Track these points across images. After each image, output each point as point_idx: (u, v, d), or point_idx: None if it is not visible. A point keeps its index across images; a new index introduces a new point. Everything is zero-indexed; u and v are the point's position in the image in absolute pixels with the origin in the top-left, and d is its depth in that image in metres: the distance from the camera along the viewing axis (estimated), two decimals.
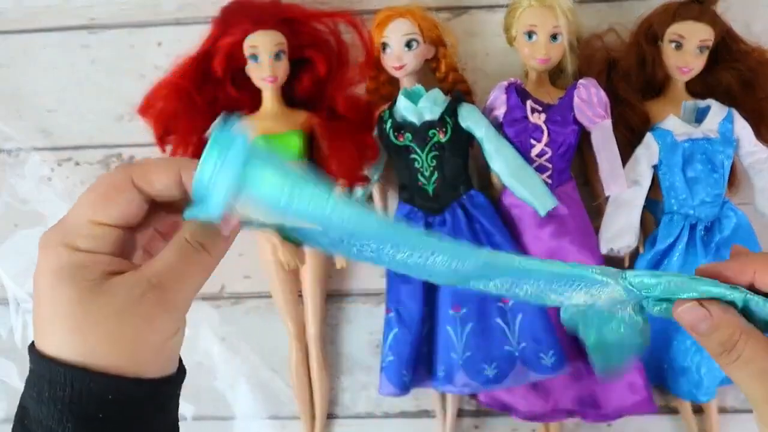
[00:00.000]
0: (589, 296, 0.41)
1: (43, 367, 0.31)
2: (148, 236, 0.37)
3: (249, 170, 0.33)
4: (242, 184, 0.33)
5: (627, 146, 0.72)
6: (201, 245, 0.33)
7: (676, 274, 0.38)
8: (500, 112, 0.72)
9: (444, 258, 0.37)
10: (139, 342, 0.31)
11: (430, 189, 0.72)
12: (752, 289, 0.37)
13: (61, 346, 0.31)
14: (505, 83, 0.73)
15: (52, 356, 0.31)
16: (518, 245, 0.72)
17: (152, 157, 0.35)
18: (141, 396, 0.31)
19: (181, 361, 0.35)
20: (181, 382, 0.35)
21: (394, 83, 0.76)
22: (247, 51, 0.70)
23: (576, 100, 0.70)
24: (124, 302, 0.31)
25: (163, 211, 0.36)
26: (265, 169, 0.33)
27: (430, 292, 0.72)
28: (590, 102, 0.70)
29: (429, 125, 0.71)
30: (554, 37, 0.71)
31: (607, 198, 0.71)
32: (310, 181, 0.35)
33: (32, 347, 0.32)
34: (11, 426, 0.32)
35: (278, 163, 0.34)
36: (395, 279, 0.73)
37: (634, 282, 0.40)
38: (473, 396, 0.77)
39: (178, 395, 0.35)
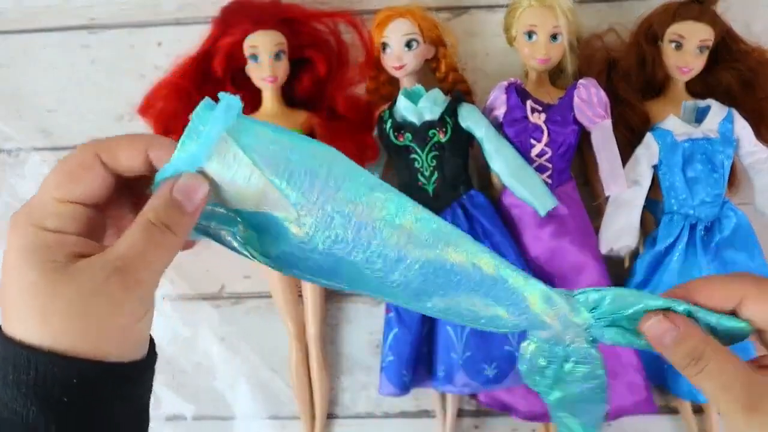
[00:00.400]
0: (538, 315, 0.42)
1: (8, 350, 0.30)
2: (119, 215, 0.36)
3: (240, 121, 0.33)
4: (232, 133, 0.33)
5: (627, 146, 0.72)
6: (165, 225, 0.32)
7: (621, 289, 0.39)
8: (500, 112, 0.72)
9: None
10: (104, 326, 0.31)
11: (430, 189, 0.72)
12: (733, 313, 0.37)
13: (26, 330, 0.30)
14: (505, 83, 0.73)
15: (18, 339, 0.30)
16: (518, 245, 0.72)
17: (118, 134, 0.35)
18: (106, 380, 0.31)
19: (153, 345, 0.35)
20: (151, 366, 0.34)
21: (394, 83, 0.76)
22: (247, 51, 0.70)
23: (576, 100, 0.70)
24: (89, 286, 0.30)
25: (133, 188, 0.35)
26: (255, 123, 0.34)
27: None
28: (590, 102, 0.70)
29: (429, 125, 0.71)
30: (554, 37, 0.71)
31: (607, 198, 0.71)
32: (303, 138, 0.35)
33: None
34: None
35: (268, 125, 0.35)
36: None
37: (581, 299, 0.42)
38: (473, 396, 0.77)
39: (150, 379, 0.35)
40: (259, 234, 0.37)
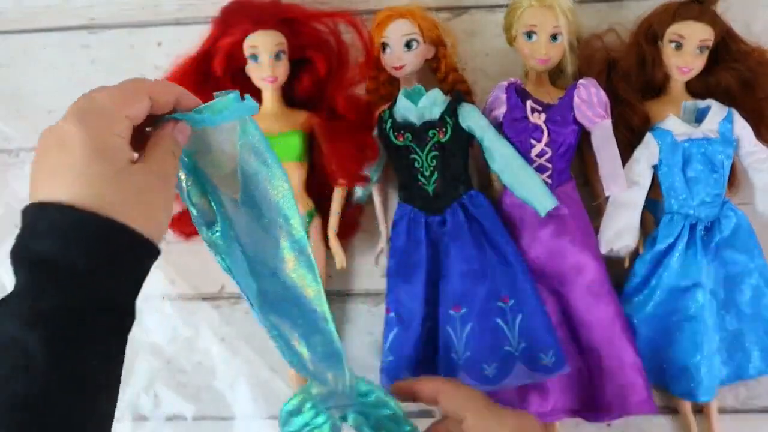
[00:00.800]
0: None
1: (74, 216, 0.39)
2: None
3: (249, 120, 0.50)
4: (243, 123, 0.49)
5: (627, 146, 0.72)
6: (174, 150, 0.46)
7: (382, 390, 0.57)
8: (500, 112, 0.72)
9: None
10: (152, 212, 0.42)
11: (430, 189, 0.72)
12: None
13: (97, 202, 0.39)
14: (505, 83, 0.73)
15: (85, 210, 0.39)
16: (518, 245, 0.72)
17: (149, 79, 0.45)
18: (141, 246, 0.42)
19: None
20: (157, 256, 0.44)
21: (394, 83, 0.76)
22: (247, 51, 0.70)
23: (576, 100, 0.70)
24: (143, 185, 0.42)
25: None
26: (256, 130, 0.50)
27: (430, 292, 0.72)
28: (590, 102, 0.70)
29: (429, 125, 0.71)
30: (554, 37, 0.71)
31: (607, 198, 0.71)
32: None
33: (47, 204, 0.40)
34: None
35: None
36: (395, 279, 0.73)
37: (360, 382, 0.58)
38: None
39: (148, 271, 0.44)
40: (203, 194, 0.51)
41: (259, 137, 0.54)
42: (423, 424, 0.78)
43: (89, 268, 0.39)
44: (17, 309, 0.38)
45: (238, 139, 0.51)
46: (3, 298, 0.38)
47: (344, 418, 0.61)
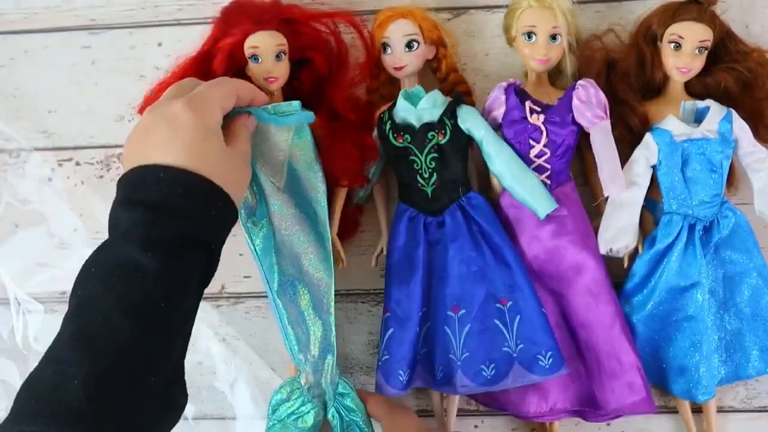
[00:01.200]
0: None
1: (188, 179, 0.52)
2: None
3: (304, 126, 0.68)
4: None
5: (626, 147, 0.72)
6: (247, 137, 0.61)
7: (357, 398, 0.71)
8: (499, 112, 0.72)
9: None
10: (238, 181, 0.57)
11: (429, 191, 0.72)
12: None
13: (206, 172, 0.53)
14: (504, 84, 0.73)
15: (198, 174, 0.52)
16: (517, 246, 0.72)
17: (237, 79, 0.62)
18: (233, 207, 0.55)
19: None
20: (236, 219, 0.57)
21: (394, 83, 0.76)
22: (247, 51, 0.70)
23: (575, 101, 0.70)
24: (237, 161, 0.57)
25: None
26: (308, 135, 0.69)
27: (428, 292, 0.72)
28: (589, 103, 0.70)
29: (428, 127, 0.71)
30: (553, 37, 0.71)
31: (606, 198, 0.71)
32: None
33: (166, 166, 0.52)
34: None
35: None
36: (393, 279, 0.73)
37: (336, 381, 0.71)
38: (473, 396, 0.77)
39: (227, 233, 0.57)
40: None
41: (310, 141, 0.68)
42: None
43: (191, 213, 0.51)
44: (134, 237, 0.49)
45: (291, 139, 0.66)
46: (122, 231, 0.49)
47: (325, 411, 0.71)
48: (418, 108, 0.71)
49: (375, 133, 0.74)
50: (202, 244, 0.52)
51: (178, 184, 0.51)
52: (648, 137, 0.72)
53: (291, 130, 0.66)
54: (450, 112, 0.71)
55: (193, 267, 0.51)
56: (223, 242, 0.55)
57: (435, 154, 0.71)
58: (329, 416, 0.71)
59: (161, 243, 0.49)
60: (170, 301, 0.49)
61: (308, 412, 0.70)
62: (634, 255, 0.74)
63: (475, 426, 0.79)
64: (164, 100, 0.55)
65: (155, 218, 0.49)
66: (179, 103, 0.53)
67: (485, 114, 0.73)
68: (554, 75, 0.75)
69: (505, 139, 0.72)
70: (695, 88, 0.74)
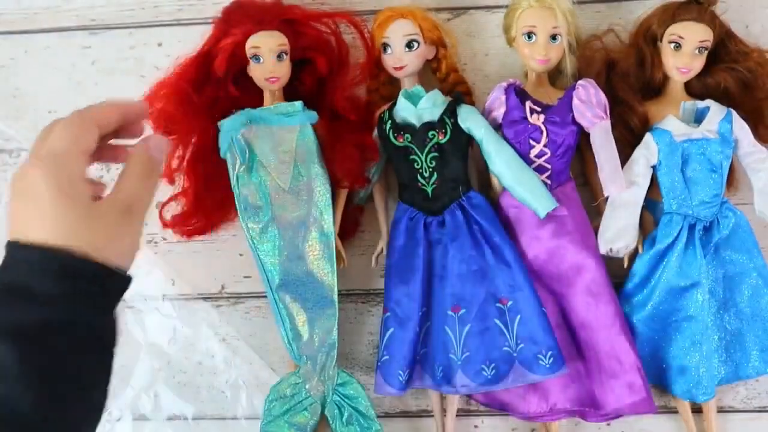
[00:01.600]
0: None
1: (43, 253, 0.43)
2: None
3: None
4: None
5: (626, 147, 0.72)
6: (152, 171, 0.49)
7: (360, 385, 0.72)
8: (499, 112, 0.72)
9: None
10: (115, 243, 0.45)
11: (429, 190, 0.72)
12: None
13: (70, 244, 0.43)
14: (505, 84, 0.73)
15: (61, 249, 0.43)
16: (517, 246, 0.72)
17: (94, 105, 0.49)
18: (111, 278, 0.45)
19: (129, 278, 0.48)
20: (128, 286, 0.47)
21: (394, 83, 0.76)
22: (249, 52, 0.70)
23: (575, 100, 0.70)
24: (111, 220, 0.45)
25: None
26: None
27: (428, 292, 0.72)
28: (589, 103, 0.70)
29: (428, 126, 0.71)
30: (553, 37, 0.71)
31: (606, 198, 0.71)
32: None
33: (20, 243, 0.43)
34: None
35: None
36: (393, 279, 0.73)
37: (335, 374, 0.72)
38: (473, 396, 0.77)
39: (119, 299, 0.47)
40: (250, 180, 0.68)
41: (314, 142, 0.69)
42: (423, 423, 0.79)
43: (51, 294, 0.42)
44: None
45: (296, 139, 0.67)
46: None
47: (323, 405, 0.72)
48: (419, 107, 0.71)
49: (375, 132, 0.74)
50: (69, 327, 0.44)
51: (38, 263, 0.43)
52: (648, 137, 0.72)
53: (295, 131, 0.67)
54: (450, 112, 0.71)
55: (68, 351, 0.43)
56: (108, 313, 0.46)
57: (435, 154, 0.71)
58: (326, 412, 0.72)
59: (20, 330, 0.41)
60: (38, 393, 0.41)
61: (304, 409, 0.71)
62: (634, 255, 0.74)
63: (475, 426, 0.79)
64: (21, 165, 0.46)
65: (12, 302, 0.42)
66: (32, 164, 0.45)
67: (485, 114, 0.73)
68: (554, 75, 0.75)
69: (506, 139, 0.72)
70: (695, 88, 0.74)
